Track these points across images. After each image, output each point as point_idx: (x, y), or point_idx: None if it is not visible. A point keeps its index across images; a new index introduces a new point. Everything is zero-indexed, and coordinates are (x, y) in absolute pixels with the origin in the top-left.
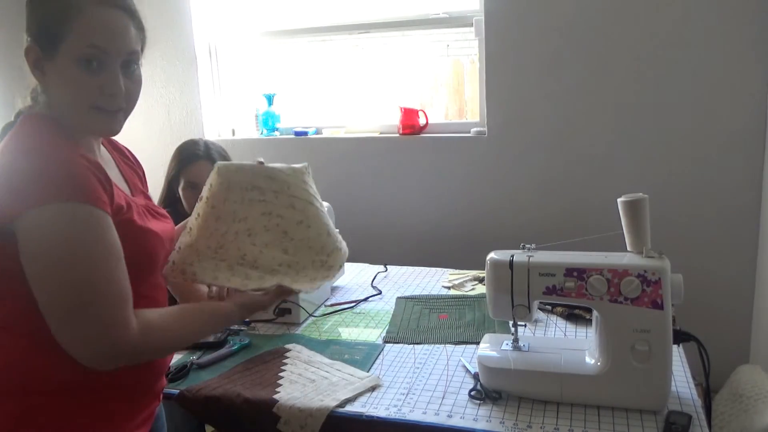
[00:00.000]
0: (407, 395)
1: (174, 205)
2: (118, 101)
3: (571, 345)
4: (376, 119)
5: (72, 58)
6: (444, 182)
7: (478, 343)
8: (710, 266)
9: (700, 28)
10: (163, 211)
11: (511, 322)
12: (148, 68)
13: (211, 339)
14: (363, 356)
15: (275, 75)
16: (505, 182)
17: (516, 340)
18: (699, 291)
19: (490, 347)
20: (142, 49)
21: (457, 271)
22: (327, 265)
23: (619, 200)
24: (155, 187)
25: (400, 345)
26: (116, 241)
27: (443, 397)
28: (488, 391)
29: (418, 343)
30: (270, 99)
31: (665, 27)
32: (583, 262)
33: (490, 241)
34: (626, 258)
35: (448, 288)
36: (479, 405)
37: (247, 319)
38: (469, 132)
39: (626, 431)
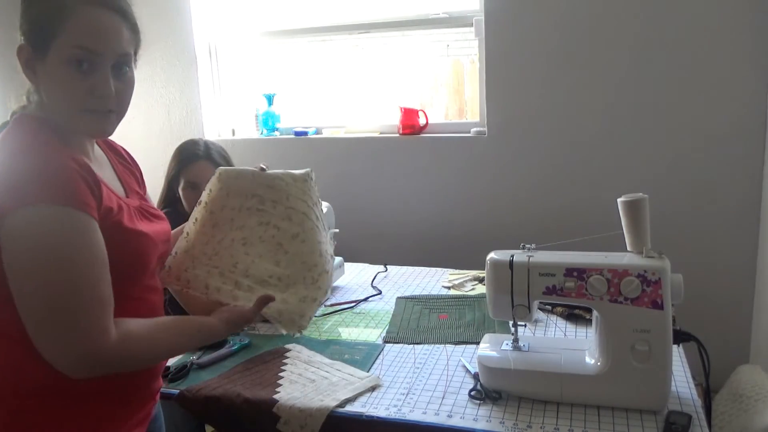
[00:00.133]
0: (407, 395)
1: (174, 205)
2: (108, 103)
3: (571, 345)
4: (376, 119)
5: (62, 59)
6: (444, 182)
7: (478, 343)
8: (710, 266)
9: (699, 27)
10: (159, 212)
11: (511, 322)
12: (148, 68)
13: None
14: (363, 356)
15: (275, 75)
16: (505, 182)
17: (516, 340)
18: (699, 291)
19: (490, 347)
20: (136, 51)
21: (457, 271)
22: (316, 285)
23: (619, 200)
24: (155, 187)
25: (400, 345)
26: (100, 246)
27: (443, 397)
28: (488, 391)
29: (418, 343)
30: (270, 99)
31: (665, 27)
32: (583, 262)
33: (490, 240)
34: (626, 258)
35: (448, 288)
36: (479, 405)
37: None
38: (469, 132)
39: (626, 431)
